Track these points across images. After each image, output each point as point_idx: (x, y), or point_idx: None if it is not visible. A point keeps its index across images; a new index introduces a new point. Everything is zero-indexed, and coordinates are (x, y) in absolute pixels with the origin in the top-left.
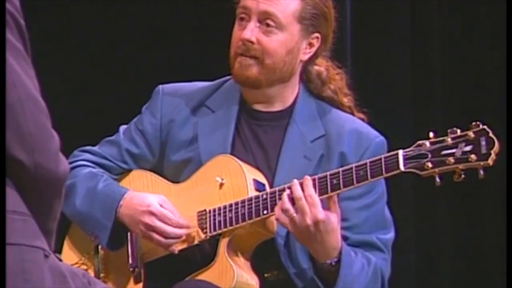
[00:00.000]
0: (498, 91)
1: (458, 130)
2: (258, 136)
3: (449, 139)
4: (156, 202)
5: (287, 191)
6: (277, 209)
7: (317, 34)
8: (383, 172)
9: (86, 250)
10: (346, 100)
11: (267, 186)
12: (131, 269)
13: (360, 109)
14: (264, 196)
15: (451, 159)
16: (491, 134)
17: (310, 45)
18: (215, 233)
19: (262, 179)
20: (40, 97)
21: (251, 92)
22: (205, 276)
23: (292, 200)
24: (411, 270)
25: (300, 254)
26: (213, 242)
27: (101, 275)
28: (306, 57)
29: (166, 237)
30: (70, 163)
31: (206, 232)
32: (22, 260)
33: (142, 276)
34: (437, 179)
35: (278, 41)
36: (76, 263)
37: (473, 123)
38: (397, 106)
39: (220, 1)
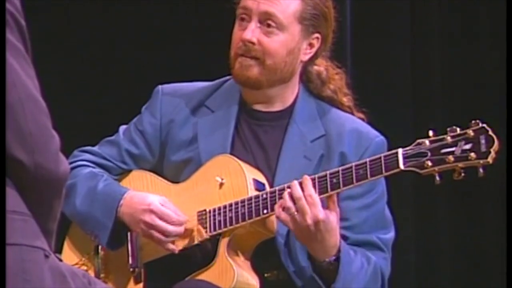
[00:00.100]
0: (498, 91)
1: (458, 129)
2: (258, 136)
3: (448, 138)
4: (157, 201)
5: (288, 190)
6: (277, 207)
7: (317, 35)
8: (383, 170)
9: (86, 250)
10: (346, 100)
11: (267, 186)
12: (131, 269)
13: (359, 109)
14: (264, 196)
15: (451, 158)
16: (490, 133)
17: (311, 45)
18: (215, 232)
19: (262, 178)
20: (40, 97)
21: (251, 93)
22: (205, 276)
23: (293, 199)
24: (411, 270)
25: (300, 253)
26: (213, 242)
27: (101, 275)
28: (306, 57)
29: (166, 236)
30: (70, 163)
31: (206, 232)
32: (22, 260)
33: (142, 276)
34: (437, 178)
35: (279, 41)
36: (76, 263)
37: (473, 122)
38: (397, 106)
39: (220, 1)
